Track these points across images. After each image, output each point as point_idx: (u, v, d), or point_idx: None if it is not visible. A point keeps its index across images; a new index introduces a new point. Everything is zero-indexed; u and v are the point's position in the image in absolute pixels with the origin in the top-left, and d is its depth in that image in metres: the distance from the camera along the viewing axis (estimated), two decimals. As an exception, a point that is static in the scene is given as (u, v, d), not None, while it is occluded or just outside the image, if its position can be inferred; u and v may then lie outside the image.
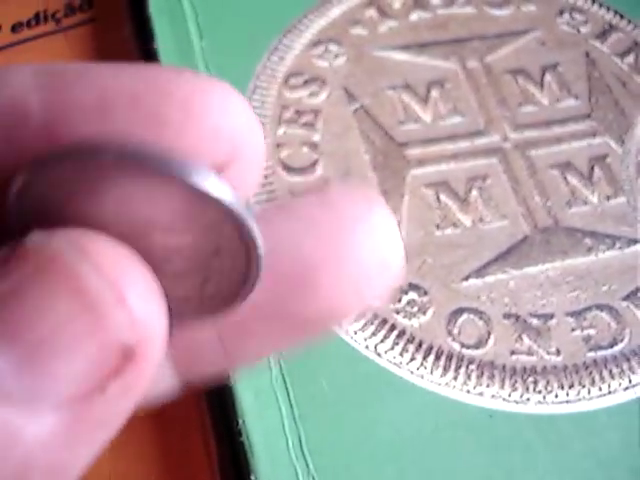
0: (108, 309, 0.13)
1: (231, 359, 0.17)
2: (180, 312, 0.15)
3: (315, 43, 0.37)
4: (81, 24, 0.41)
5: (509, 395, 0.29)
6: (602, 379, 0.30)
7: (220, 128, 0.14)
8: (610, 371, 0.30)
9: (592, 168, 0.35)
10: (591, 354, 0.30)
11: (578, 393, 0.30)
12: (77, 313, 0.13)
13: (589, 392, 0.30)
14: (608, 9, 0.41)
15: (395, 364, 0.29)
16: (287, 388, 0.28)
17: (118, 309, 0.13)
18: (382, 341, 0.30)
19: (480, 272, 0.32)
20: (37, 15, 0.42)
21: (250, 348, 0.17)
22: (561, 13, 0.40)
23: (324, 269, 0.16)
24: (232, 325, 0.16)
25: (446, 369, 0.29)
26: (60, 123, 0.14)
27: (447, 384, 0.29)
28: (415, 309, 0.31)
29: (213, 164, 0.14)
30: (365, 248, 0.15)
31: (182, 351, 0.16)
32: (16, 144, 0.14)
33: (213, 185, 0.13)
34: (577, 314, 0.31)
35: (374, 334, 0.30)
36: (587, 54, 0.39)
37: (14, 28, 0.41)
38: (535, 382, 0.29)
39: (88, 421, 0.13)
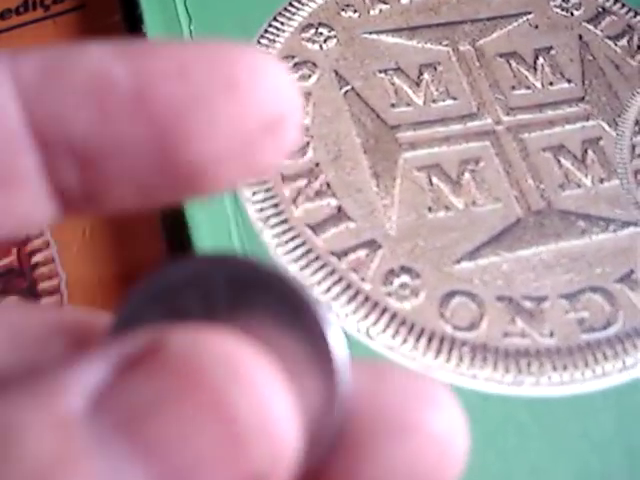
0: (252, 440, 0.12)
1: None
2: None
3: (306, 26, 0.37)
4: (70, 10, 0.41)
5: (502, 378, 0.29)
6: (596, 361, 0.30)
7: (280, 90, 0.15)
8: (604, 353, 0.30)
9: (585, 151, 0.35)
10: (585, 336, 0.30)
11: (572, 375, 0.29)
12: (221, 442, 0.12)
13: (583, 374, 0.29)
14: (601, -7, 0.40)
15: (387, 347, 0.29)
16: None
17: (262, 440, 0.12)
18: (374, 324, 0.29)
19: (473, 255, 0.31)
20: (26, 2, 0.41)
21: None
22: (554, -3, 0.40)
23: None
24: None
25: (439, 352, 0.29)
26: (146, 89, 0.15)
27: (440, 367, 0.29)
28: (407, 292, 0.30)
29: (271, 121, 0.15)
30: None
31: None
32: (109, 112, 0.15)
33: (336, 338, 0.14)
34: (571, 296, 0.31)
35: (366, 317, 0.29)
36: (580, 37, 0.39)
37: (2, 15, 0.41)
38: (529, 364, 0.29)
39: None
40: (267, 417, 0.12)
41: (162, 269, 0.15)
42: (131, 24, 0.37)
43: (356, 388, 0.15)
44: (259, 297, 0.14)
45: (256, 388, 0.12)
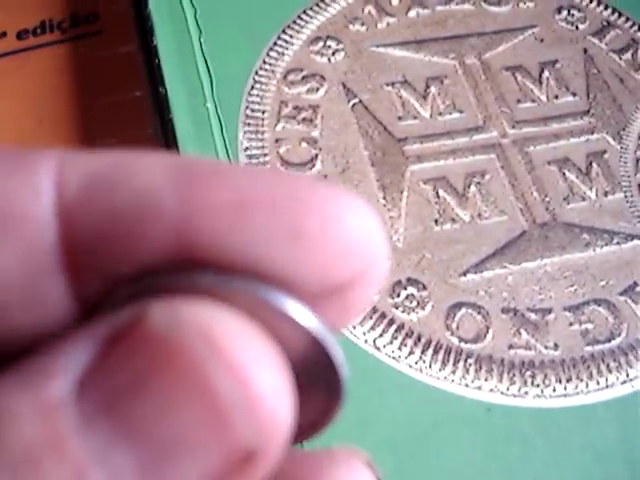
0: (236, 416, 0.12)
1: None
2: None
3: (314, 39, 0.37)
4: (87, 36, 0.41)
5: (507, 389, 0.29)
6: (600, 373, 0.30)
7: (355, 245, 0.13)
8: (607, 365, 0.30)
9: (590, 164, 0.35)
10: (589, 348, 0.30)
11: (576, 387, 0.30)
12: (204, 417, 0.12)
13: (587, 386, 0.30)
14: (606, 6, 0.41)
15: (394, 358, 0.29)
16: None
17: (246, 415, 0.12)
18: (381, 335, 0.30)
19: (478, 267, 0.32)
20: (43, 24, 0.42)
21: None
22: (559, 10, 0.40)
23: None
24: None
25: (444, 363, 0.30)
26: (194, 222, 0.13)
27: (445, 378, 0.29)
28: (414, 304, 0.31)
29: (341, 281, 0.13)
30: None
31: None
32: (146, 238, 0.13)
33: (302, 313, 0.13)
34: (575, 309, 0.31)
35: (373, 328, 0.30)
36: (585, 51, 0.39)
37: (19, 35, 0.41)
38: (533, 376, 0.30)
39: None
40: (250, 391, 0.12)
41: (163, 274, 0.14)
42: (142, 33, 0.37)
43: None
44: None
45: (237, 362, 0.12)
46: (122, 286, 0.14)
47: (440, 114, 0.36)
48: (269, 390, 0.12)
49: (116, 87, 0.38)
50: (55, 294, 0.14)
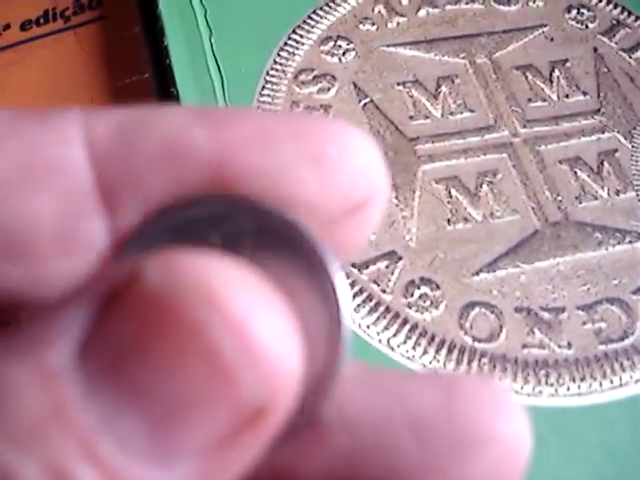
0: (241, 372, 0.12)
1: None
2: None
3: (324, 39, 0.37)
4: (90, 22, 0.41)
5: (521, 388, 0.29)
6: (613, 372, 0.30)
7: (366, 169, 0.15)
8: (621, 364, 0.30)
9: (601, 163, 0.35)
10: (602, 347, 0.31)
11: (590, 386, 0.30)
12: (208, 376, 0.12)
13: (600, 385, 0.30)
14: (616, 5, 0.41)
15: (408, 358, 0.30)
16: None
17: (251, 371, 0.12)
18: (395, 335, 0.30)
19: (491, 266, 0.32)
20: (46, 13, 0.42)
21: None
22: (569, 9, 0.40)
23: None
24: None
25: (458, 362, 0.30)
26: (225, 155, 0.14)
27: (460, 377, 0.29)
28: (427, 303, 0.31)
29: (355, 202, 0.15)
30: (483, 468, 0.14)
31: None
32: (185, 178, 0.14)
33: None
34: (588, 307, 0.31)
35: (387, 328, 0.30)
36: (595, 50, 0.39)
37: (23, 26, 0.41)
38: (547, 375, 0.30)
39: (218, 471, 0.12)
40: (253, 346, 0.11)
41: (187, 202, 0.15)
42: (152, 35, 0.37)
43: (432, 404, 0.14)
44: (282, 246, 0.14)
45: (238, 317, 0.11)
46: (149, 221, 0.14)
47: (451, 113, 0.36)
48: (273, 342, 0.12)
49: (122, 72, 0.38)
50: (94, 238, 0.15)
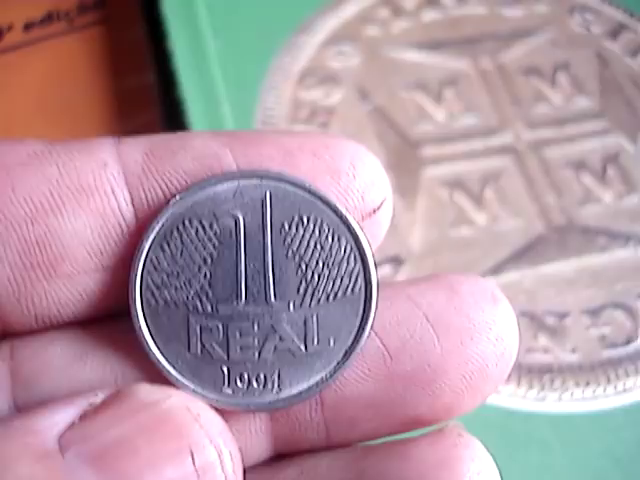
0: (215, 476, 0.14)
1: (331, 441, 0.18)
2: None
3: (328, 42, 0.37)
4: (94, 24, 0.41)
5: (526, 393, 0.29)
6: (617, 377, 0.30)
7: (377, 177, 0.17)
8: (625, 369, 0.30)
9: (605, 167, 0.35)
10: (606, 352, 0.31)
11: (594, 391, 0.30)
12: (192, 476, 0.14)
13: (605, 390, 0.30)
14: (618, 8, 0.41)
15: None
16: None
17: (221, 475, 0.14)
18: (399, 340, 0.30)
19: (495, 271, 0.32)
20: (49, 14, 0.42)
21: (352, 435, 0.18)
22: (572, 12, 0.40)
23: (448, 373, 0.17)
24: (341, 414, 0.17)
25: (463, 367, 0.29)
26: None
27: (464, 382, 0.29)
28: (431, 308, 0.31)
29: (372, 207, 0.17)
30: (486, 346, 0.17)
31: (284, 428, 0.17)
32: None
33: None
34: (592, 312, 0.31)
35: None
36: (598, 53, 0.39)
37: (26, 27, 0.41)
38: (551, 380, 0.30)
39: None
40: (223, 458, 0.14)
41: (203, 182, 0.17)
42: (155, 38, 0.37)
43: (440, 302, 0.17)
44: (301, 211, 0.17)
45: (214, 434, 0.14)
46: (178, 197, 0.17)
47: (455, 117, 0.36)
48: (233, 459, 0.15)
49: (125, 74, 0.38)
50: (130, 255, 0.17)
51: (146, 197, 0.17)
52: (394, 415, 0.17)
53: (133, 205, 0.17)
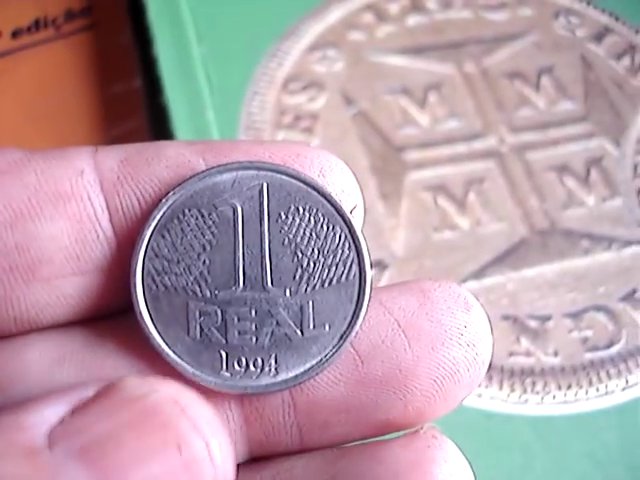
0: (204, 468, 0.14)
1: (304, 445, 0.18)
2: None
3: (313, 48, 0.37)
4: (81, 30, 0.41)
5: (507, 396, 0.30)
6: (599, 380, 0.30)
7: (348, 181, 0.18)
8: (607, 372, 0.30)
9: (588, 170, 0.35)
10: (588, 355, 0.31)
11: (576, 394, 0.30)
12: (179, 469, 0.14)
13: (587, 393, 0.30)
14: (603, 11, 0.41)
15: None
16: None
17: (210, 468, 0.14)
18: (381, 344, 0.30)
19: (478, 274, 0.32)
20: (37, 21, 0.42)
21: (326, 439, 0.18)
22: (557, 16, 0.40)
23: (419, 377, 0.17)
24: (314, 418, 0.17)
25: (445, 371, 0.30)
26: None
27: (446, 386, 0.29)
28: (414, 312, 0.31)
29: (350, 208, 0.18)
30: (458, 351, 0.17)
31: (258, 431, 0.18)
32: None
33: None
34: (574, 315, 0.31)
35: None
36: (583, 57, 0.39)
37: (15, 34, 0.41)
38: (533, 383, 0.30)
39: None
40: (212, 450, 0.14)
41: (202, 173, 0.17)
42: (141, 44, 0.38)
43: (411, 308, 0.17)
44: (297, 201, 0.17)
45: (202, 425, 0.14)
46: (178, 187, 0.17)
47: (439, 122, 0.36)
48: (223, 451, 0.15)
49: (112, 80, 0.38)
50: (105, 259, 0.17)
51: (121, 204, 0.17)
52: (366, 419, 0.17)
53: (109, 211, 0.17)
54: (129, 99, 0.38)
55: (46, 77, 0.40)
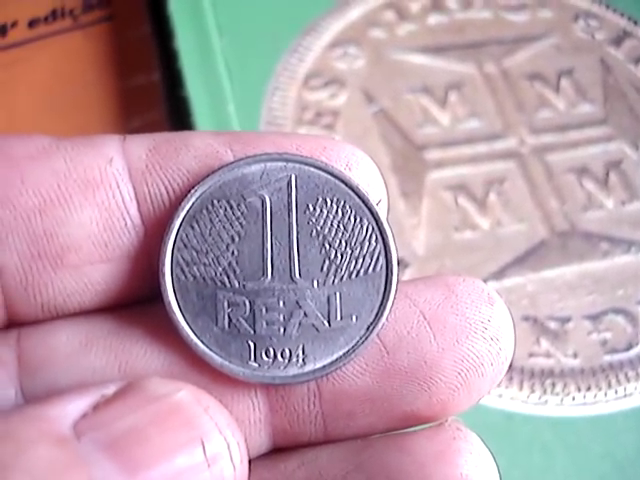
0: (225, 466, 0.14)
1: (328, 436, 0.18)
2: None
3: (334, 44, 0.37)
4: (99, 21, 0.41)
5: (527, 397, 0.30)
6: (618, 382, 0.30)
7: (369, 180, 0.18)
8: (626, 374, 0.30)
9: (607, 173, 0.35)
10: (607, 357, 0.31)
11: (595, 396, 0.30)
12: (202, 465, 0.14)
13: (606, 395, 0.30)
14: (622, 15, 0.41)
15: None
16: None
17: (230, 467, 0.15)
18: (402, 342, 0.30)
19: (498, 275, 0.32)
20: (54, 11, 0.42)
21: (350, 429, 0.18)
22: (576, 19, 0.40)
23: (444, 370, 0.17)
24: (339, 408, 0.18)
25: (465, 371, 0.30)
26: None
27: (466, 385, 0.29)
28: (435, 311, 0.31)
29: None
30: (482, 345, 0.17)
31: (282, 420, 0.18)
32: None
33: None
34: (594, 317, 0.31)
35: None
36: (602, 60, 0.39)
37: (31, 24, 0.41)
38: (553, 385, 0.30)
39: None
40: (231, 449, 0.15)
41: (232, 164, 0.17)
42: (161, 36, 0.37)
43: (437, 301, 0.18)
44: (325, 193, 0.18)
45: (222, 425, 0.15)
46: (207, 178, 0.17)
47: (459, 121, 0.36)
48: (241, 452, 0.15)
49: (130, 72, 0.38)
50: (133, 247, 0.17)
51: (149, 192, 0.17)
52: (391, 410, 0.17)
53: (137, 200, 0.17)
54: (148, 92, 0.38)
55: (63, 68, 0.40)
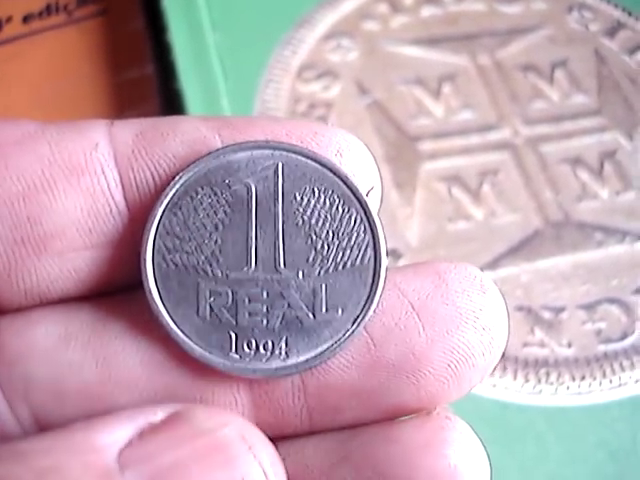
0: None
1: (314, 428, 0.18)
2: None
3: (328, 37, 0.37)
4: (93, 16, 0.41)
5: (521, 387, 0.29)
6: (613, 372, 0.30)
7: (361, 166, 0.17)
8: (620, 364, 0.30)
9: (602, 163, 0.35)
10: (602, 347, 0.31)
11: (589, 385, 0.30)
12: None
13: (600, 384, 0.30)
14: (616, 6, 0.41)
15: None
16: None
17: None
18: (396, 332, 0.30)
19: (492, 265, 0.32)
20: (48, 6, 0.42)
21: (336, 423, 0.18)
22: (570, 10, 0.40)
23: (433, 362, 0.17)
24: (324, 402, 0.17)
25: (459, 360, 0.30)
26: None
27: (460, 375, 0.29)
28: (428, 301, 0.31)
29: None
30: (473, 335, 0.17)
31: (266, 414, 0.17)
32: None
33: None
34: (588, 307, 0.31)
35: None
36: (596, 51, 0.39)
37: (25, 19, 0.41)
38: (547, 374, 0.30)
39: None
40: None
41: (217, 151, 0.17)
42: (155, 30, 0.37)
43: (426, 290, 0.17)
44: (312, 182, 0.17)
45: (267, 465, 0.15)
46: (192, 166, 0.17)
47: (453, 113, 0.36)
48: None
49: (124, 66, 0.38)
50: (118, 233, 0.17)
51: (134, 178, 0.17)
52: (378, 403, 0.17)
53: (122, 185, 0.17)
54: (141, 85, 0.38)
55: (57, 62, 0.40)
